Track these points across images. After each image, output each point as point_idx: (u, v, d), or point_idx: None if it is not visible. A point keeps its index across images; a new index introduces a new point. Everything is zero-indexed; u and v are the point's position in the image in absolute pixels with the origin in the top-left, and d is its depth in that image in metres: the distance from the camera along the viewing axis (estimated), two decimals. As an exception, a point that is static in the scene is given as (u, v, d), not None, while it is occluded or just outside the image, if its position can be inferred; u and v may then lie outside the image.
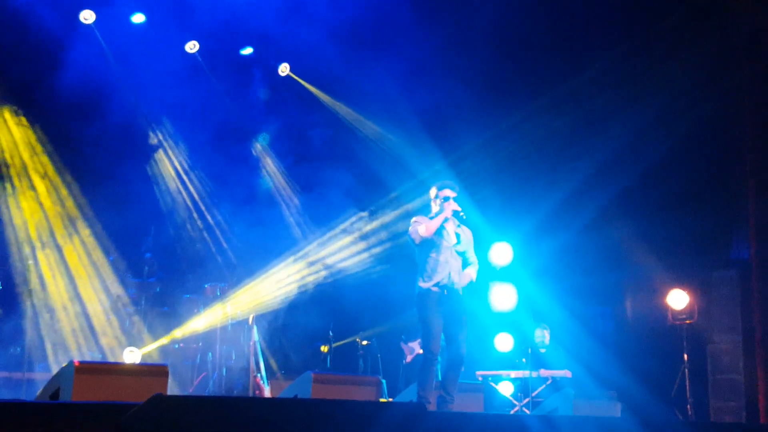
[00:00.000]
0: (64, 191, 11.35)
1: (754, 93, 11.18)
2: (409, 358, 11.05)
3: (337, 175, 12.14)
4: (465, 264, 7.73)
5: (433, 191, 7.83)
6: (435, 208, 7.75)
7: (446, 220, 7.60)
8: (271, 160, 13.09)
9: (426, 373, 7.36)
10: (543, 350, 10.99)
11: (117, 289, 11.09)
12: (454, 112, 11.97)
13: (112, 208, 11.14)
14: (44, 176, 11.27)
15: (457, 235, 7.65)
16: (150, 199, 12.21)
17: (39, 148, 11.26)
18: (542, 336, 11.08)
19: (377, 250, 12.63)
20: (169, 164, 12.44)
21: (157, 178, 12.43)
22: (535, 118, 11.89)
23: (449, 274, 7.52)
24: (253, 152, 13.10)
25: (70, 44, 11.01)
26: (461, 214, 7.63)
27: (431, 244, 7.53)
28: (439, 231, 7.58)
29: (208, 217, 12.60)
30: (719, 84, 11.15)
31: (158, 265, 11.41)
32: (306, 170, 12.67)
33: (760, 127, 11.15)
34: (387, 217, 12.63)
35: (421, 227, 7.54)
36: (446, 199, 7.67)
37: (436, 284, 7.47)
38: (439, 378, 7.88)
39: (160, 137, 12.29)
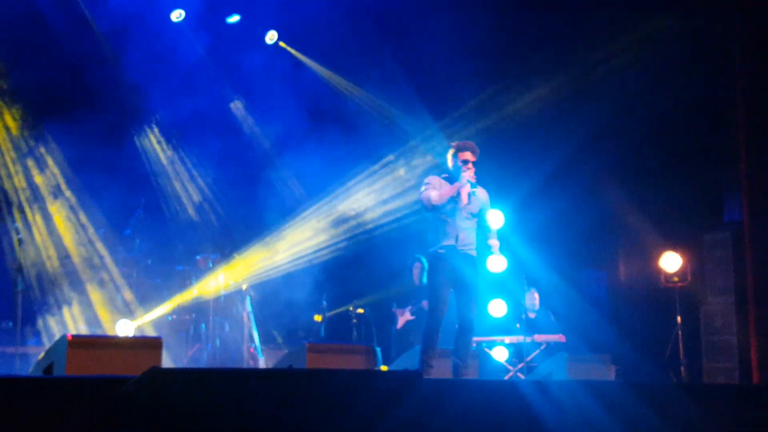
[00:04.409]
0: (53, 166, 11.31)
1: (746, 55, 11.15)
2: (400, 325, 11.11)
3: (329, 142, 12.09)
4: (480, 226, 7.64)
5: (451, 151, 7.63)
6: (454, 166, 7.57)
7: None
8: (258, 129, 13.03)
9: (428, 338, 7.34)
10: (533, 315, 11.06)
11: (108, 261, 11.08)
12: (446, 75, 11.91)
13: (100, 180, 11.10)
14: (29, 149, 11.23)
15: (470, 195, 7.49)
16: (139, 169, 12.17)
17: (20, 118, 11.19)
18: (532, 299, 11.14)
19: (369, 217, 12.64)
20: (158, 133, 12.41)
21: (146, 148, 12.38)
22: (527, 83, 11.85)
23: (457, 236, 7.41)
24: (237, 116, 13.02)
25: (52, 13, 10.92)
26: (474, 189, 7.47)
27: (442, 205, 7.42)
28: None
29: (201, 184, 12.58)
30: (711, 47, 11.11)
31: (147, 239, 11.38)
32: (297, 137, 12.59)
33: (751, 89, 11.12)
34: (378, 184, 12.62)
35: (434, 194, 7.38)
36: (465, 162, 7.49)
37: (444, 246, 7.41)
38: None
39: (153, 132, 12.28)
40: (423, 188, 7.51)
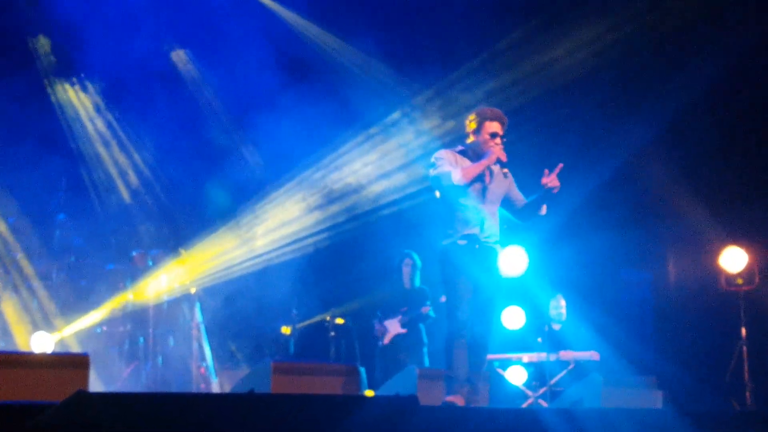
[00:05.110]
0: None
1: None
2: (386, 340, 11.15)
3: (308, 101, 12.08)
4: (509, 212, 7.68)
5: (472, 119, 7.57)
6: (476, 141, 7.52)
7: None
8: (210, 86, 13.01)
9: (452, 350, 7.33)
10: (558, 326, 11.12)
11: (20, 259, 11.07)
12: (460, 15, 11.91)
13: (11, 154, 11.08)
14: None
15: (491, 173, 7.51)
16: (62, 140, 12.15)
17: None
18: (558, 308, 11.19)
19: (358, 198, 12.65)
20: (82, 95, 12.38)
21: (67, 113, 12.37)
22: (563, 27, 11.80)
23: (483, 223, 7.44)
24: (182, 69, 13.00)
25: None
26: (504, 170, 7.49)
27: (461, 187, 7.41)
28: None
29: (138, 160, 12.57)
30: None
31: (73, 229, 11.39)
32: (267, 97, 12.55)
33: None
34: (374, 153, 12.62)
35: (456, 172, 7.35)
36: (493, 135, 7.46)
37: (465, 237, 7.42)
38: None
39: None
40: (438, 164, 7.49)
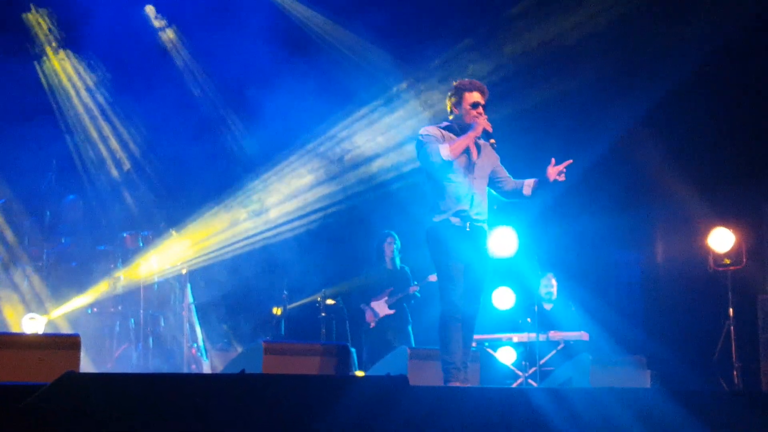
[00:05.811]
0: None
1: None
2: (377, 319, 11.14)
3: (295, 91, 12.03)
4: (494, 188, 7.59)
5: (452, 93, 7.49)
6: (458, 114, 7.43)
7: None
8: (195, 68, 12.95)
9: (447, 332, 7.24)
10: (548, 306, 11.12)
11: (11, 240, 11.02)
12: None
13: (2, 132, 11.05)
14: None
15: (478, 148, 7.43)
16: (50, 121, 12.09)
17: None
18: (549, 287, 11.19)
19: (345, 182, 12.62)
20: (70, 69, 12.33)
21: (56, 92, 12.31)
22: (537, 15, 11.77)
23: (472, 199, 7.34)
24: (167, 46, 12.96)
25: None
26: (491, 141, 7.38)
27: (449, 163, 7.27)
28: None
29: (127, 137, 12.52)
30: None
31: (74, 210, 11.34)
32: (266, 69, 12.48)
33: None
34: (359, 139, 12.58)
35: (443, 148, 7.22)
36: (475, 105, 7.37)
37: (456, 214, 7.33)
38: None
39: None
40: (425, 141, 7.37)
